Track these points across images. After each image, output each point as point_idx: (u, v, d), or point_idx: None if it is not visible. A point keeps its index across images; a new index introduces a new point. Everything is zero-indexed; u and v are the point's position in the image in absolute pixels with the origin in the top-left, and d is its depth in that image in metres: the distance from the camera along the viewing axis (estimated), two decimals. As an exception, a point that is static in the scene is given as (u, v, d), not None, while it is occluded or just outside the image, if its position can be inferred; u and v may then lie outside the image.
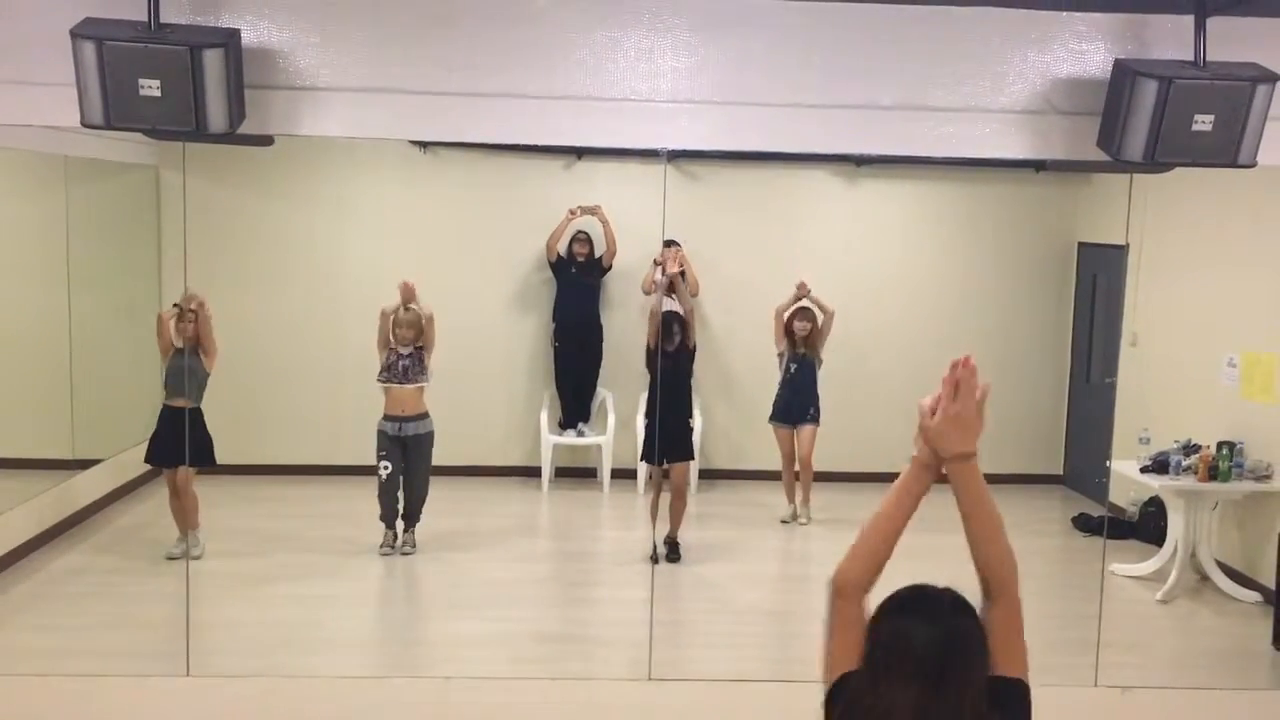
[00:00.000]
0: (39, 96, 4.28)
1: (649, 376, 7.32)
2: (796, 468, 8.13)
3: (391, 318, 7.21)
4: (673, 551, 7.22)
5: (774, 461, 8.19)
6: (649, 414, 7.27)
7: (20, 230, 7.55)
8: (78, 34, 3.97)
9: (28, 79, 4.29)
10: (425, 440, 7.23)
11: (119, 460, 8.01)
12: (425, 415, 7.23)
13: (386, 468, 7.14)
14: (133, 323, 8.24)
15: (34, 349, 7.53)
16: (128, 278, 8.27)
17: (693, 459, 7.28)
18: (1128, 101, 4.19)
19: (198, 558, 6.87)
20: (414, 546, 7.24)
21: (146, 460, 7.06)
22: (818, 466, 8.13)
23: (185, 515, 6.92)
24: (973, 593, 2.27)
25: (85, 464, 7.70)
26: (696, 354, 7.59)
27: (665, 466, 7.23)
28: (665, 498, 7.26)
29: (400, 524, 7.23)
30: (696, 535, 7.59)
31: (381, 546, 7.17)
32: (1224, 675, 5.84)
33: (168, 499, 6.98)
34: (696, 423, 7.92)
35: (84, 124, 4.05)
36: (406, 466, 7.19)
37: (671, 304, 8.65)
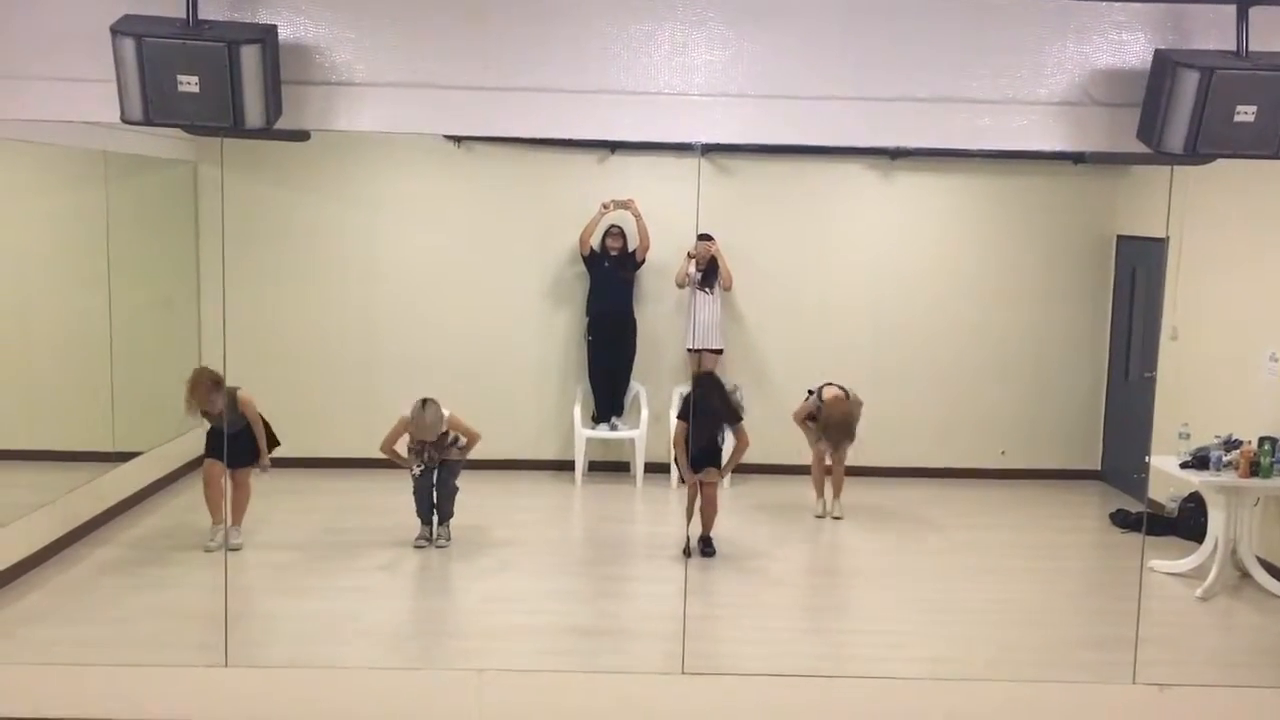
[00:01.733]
0: (79, 92, 4.33)
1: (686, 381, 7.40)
2: (828, 462, 8.11)
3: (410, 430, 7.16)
4: (707, 547, 7.24)
5: (808, 456, 8.17)
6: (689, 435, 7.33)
7: (61, 225, 7.64)
8: (117, 30, 4.01)
9: (68, 75, 4.35)
10: (456, 462, 7.30)
11: (158, 453, 8.10)
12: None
13: (420, 466, 7.21)
14: (171, 316, 8.34)
15: (74, 343, 7.62)
16: (166, 272, 8.35)
17: (717, 467, 7.36)
18: (1168, 92, 4.14)
19: (236, 549, 6.94)
20: (448, 540, 7.29)
21: (207, 455, 7.04)
22: (850, 461, 8.10)
23: (236, 508, 7.03)
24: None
25: (125, 456, 7.79)
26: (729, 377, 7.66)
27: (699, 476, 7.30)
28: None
29: (435, 519, 7.29)
30: (730, 530, 7.58)
31: (416, 540, 7.24)
32: (1265, 673, 5.77)
33: (203, 492, 7.02)
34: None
35: (123, 120, 4.10)
36: (438, 469, 7.26)
37: (706, 296, 8.67)
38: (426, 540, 7.25)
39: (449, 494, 7.30)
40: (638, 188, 8.67)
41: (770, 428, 8.13)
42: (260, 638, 5.76)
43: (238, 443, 6.87)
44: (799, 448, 8.21)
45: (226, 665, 5.18)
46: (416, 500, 7.27)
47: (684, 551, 7.02)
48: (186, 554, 6.92)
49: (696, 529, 7.20)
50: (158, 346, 8.27)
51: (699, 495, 7.27)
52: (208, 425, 7.06)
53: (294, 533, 7.34)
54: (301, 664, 5.39)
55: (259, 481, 7.14)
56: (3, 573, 6.29)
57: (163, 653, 5.46)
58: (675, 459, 7.52)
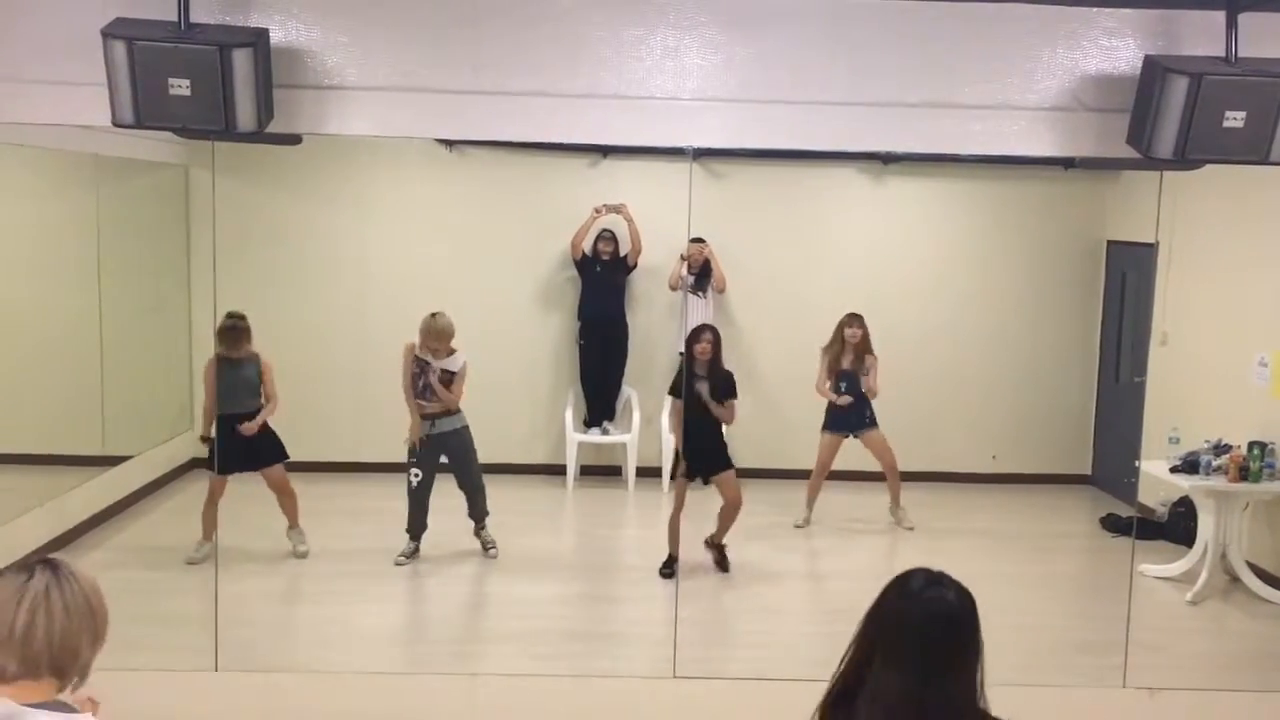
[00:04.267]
0: (70, 96, 4.32)
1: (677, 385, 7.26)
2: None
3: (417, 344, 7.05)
4: (721, 556, 7.04)
5: (801, 461, 8.15)
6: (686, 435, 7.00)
7: (51, 229, 7.62)
8: (109, 34, 4.00)
9: (59, 79, 4.34)
10: (461, 435, 7.08)
11: (149, 456, 8.08)
12: (457, 412, 7.08)
13: (417, 475, 6.99)
14: (162, 320, 8.32)
15: (65, 346, 7.61)
16: (157, 276, 8.34)
17: (732, 467, 7.05)
18: (1158, 98, 4.16)
19: (304, 556, 6.96)
20: (495, 547, 7.12)
21: (219, 472, 6.79)
22: (838, 465, 8.08)
23: (289, 510, 7.04)
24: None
25: (115, 460, 7.77)
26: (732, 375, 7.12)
27: (708, 482, 7.06)
28: (692, 512, 7.08)
29: (472, 525, 7.15)
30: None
31: (399, 556, 7.01)
32: (1254, 678, 5.78)
33: (203, 501, 6.84)
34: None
35: (115, 123, 4.09)
36: (454, 468, 7.07)
37: (699, 299, 8.67)
38: (407, 558, 7.02)
39: (474, 490, 7.10)
40: (630, 192, 8.68)
41: (762, 431, 8.13)
42: (252, 642, 5.74)
43: (255, 437, 6.82)
44: (790, 451, 8.21)
45: (217, 670, 5.17)
46: (410, 508, 7.03)
47: (664, 569, 6.85)
48: (177, 558, 6.89)
49: (683, 546, 6.95)
50: (148, 350, 8.25)
51: (725, 504, 7.01)
52: (204, 430, 6.96)
53: (285, 537, 7.30)
54: (293, 669, 5.38)
55: (253, 487, 7.07)
56: (-8, 577, 6.26)
57: (152, 657, 5.44)
58: (675, 441, 7.08)
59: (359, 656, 5.67)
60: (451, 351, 7.07)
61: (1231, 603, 6.77)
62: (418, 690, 5.20)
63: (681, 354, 8.70)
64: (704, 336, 7.03)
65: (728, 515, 7.06)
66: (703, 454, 6.95)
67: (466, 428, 7.13)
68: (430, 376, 7.00)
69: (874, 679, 2.20)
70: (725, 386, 6.99)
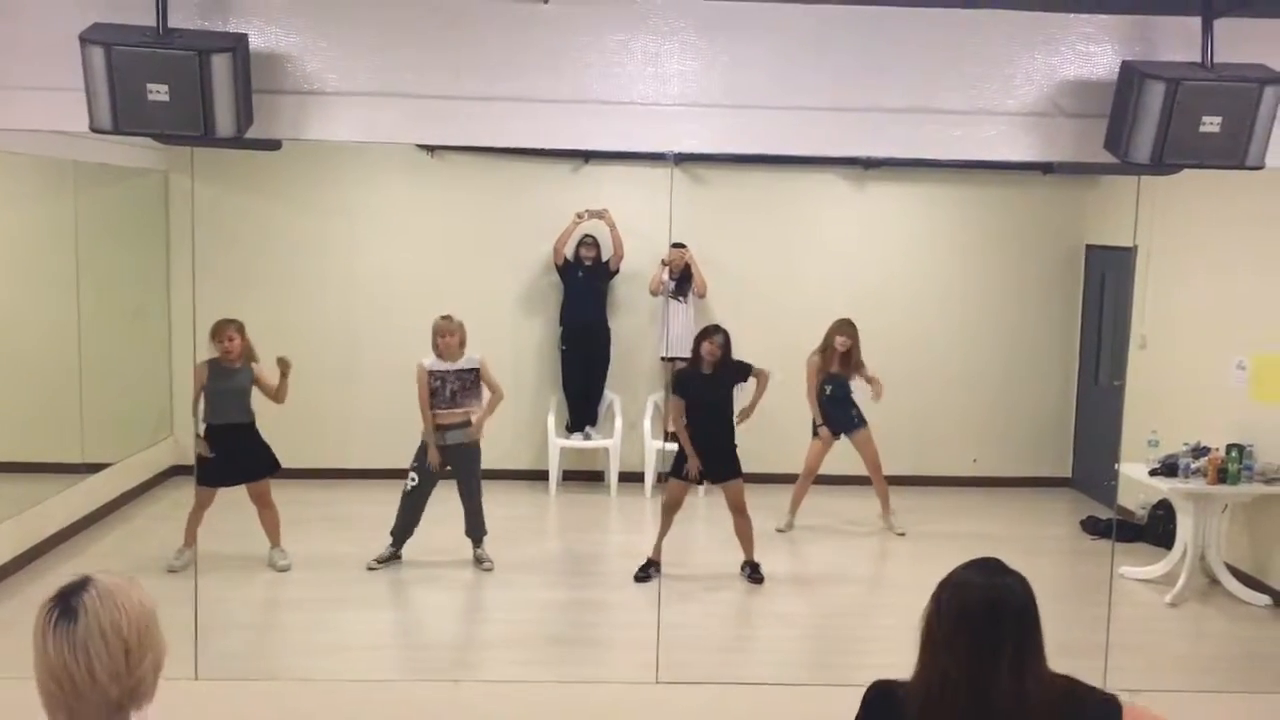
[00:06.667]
0: (48, 101, 4.29)
1: (668, 389, 7.22)
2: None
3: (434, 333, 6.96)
4: (755, 573, 6.99)
5: (783, 465, 8.16)
6: (692, 432, 6.86)
7: (30, 235, 7.57)
8: (87, 39, 3.98)
9: (37, 84, 4.31)
10: (470, 451, 7.04)
11: (128, 464, 8.03)
12: (469, 424, 7.03)
13: (414, 480, 6.95)
14: (142, 326, 8.27)
15: (44, 353, 7.56)
16: (136, 282, 8.30)
17: (741, 475, 6.98)
18: (1135, 103, 4.18)
19: (285, 569, 6.88)
20: (491, 563, 7.04)
21: (201, 483, 6.73)
22: (825, 469, 8.09)
23: (271, 528, 6.94)
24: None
25: (95, 467, 7.72)
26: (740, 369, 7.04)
27: (710, 486, 7.05)
28: (683, 522, 7.10)
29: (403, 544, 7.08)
30: (705, 538, 7.59)
31: (375, 559, 6.97)
32: (1234, 679, 5.82)
33: (188, 509, 6.79)
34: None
35: (93, 129, 4.06)
36: (458, 480, 7.04)
37: (680, 304, 8.67)
38: (381, 562, 6.98)
39: (473, 508, 7.06)
40: (612, 197, 8.68)
41: (742, 435, 8.11)
42: (232, 650, 5.71)
43: (245, 449, 6.75)
44: (771, 455, 8.21)
45: (196, 678, 5.14)
46: (399, 513, 6.99)
47: (639, 574, 6.87)
48: (158, 565, 6.85)
49: (670, 553, 7.00)
50: (128, 357, 8.21)
51: (734, 517, 6.94)
52: (193, 438, 6.87)
53: (266, 543, 7.27)
54: (273, 676, 5.35)
55: (235, 494, 7.01)
56: (-31, 586, 6.23)
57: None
58: (678, 441, 6.91)
59: (340, 664, 5.64)
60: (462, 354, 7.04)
61: (1211, 604, 6.82)
62: (399, 697, 5.18)
63: (664, 359, 8.72)
64: (714, 338, 6.90)
65: (744, 532, 7.01)
66: (717, 456, 6.90)
67: (476, 443, 7.09)
68: (451, 383, 6.96)
69: (930, 668, 2.22)
70: (742, 370, 7.00)
